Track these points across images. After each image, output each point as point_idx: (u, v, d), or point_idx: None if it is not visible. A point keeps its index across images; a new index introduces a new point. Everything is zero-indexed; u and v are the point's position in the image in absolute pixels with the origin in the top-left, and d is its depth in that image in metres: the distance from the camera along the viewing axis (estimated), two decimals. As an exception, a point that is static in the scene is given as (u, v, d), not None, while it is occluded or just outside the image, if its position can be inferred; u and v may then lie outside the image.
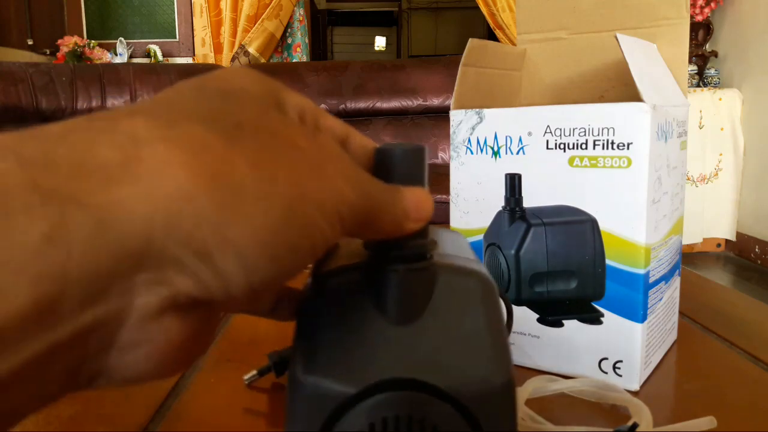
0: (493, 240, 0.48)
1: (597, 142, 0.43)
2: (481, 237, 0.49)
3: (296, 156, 0.17)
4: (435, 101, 2.25)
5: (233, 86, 0.19)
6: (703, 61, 3.08)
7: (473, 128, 0.48)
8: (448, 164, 0.50)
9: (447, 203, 0.52)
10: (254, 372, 0.45)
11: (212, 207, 0.15)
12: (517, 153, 0.46)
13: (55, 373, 0.14)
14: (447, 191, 0.51)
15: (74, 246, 0.13)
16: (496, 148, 0.47)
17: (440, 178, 0.64)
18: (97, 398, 0.44)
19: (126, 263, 0.14)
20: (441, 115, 2.23)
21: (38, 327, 0.13)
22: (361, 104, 2.24)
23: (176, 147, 0.15)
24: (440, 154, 2.21)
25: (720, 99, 2.83)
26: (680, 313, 0.56)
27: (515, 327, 0.48)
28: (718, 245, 2.99)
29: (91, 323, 0.14)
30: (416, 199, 0.23)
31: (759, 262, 2.73)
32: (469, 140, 0.48)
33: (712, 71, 3.01)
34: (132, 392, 0.45)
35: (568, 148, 0.44)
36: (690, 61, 2.95)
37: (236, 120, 0.17)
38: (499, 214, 0.48)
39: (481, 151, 0.48)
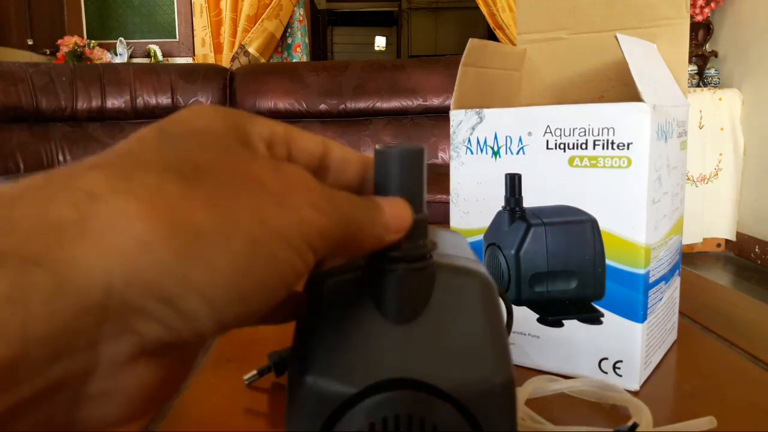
0: (493, 240, 0.48)
1: (597, 142, 0.43)
2: (481, 237, 0.49)
3: (257, 191, 0.17)
4: (435, 101, 2.25)
5: (194, 127, 0.19)
6: (703, 61, 3.08)
7: (473, 128, 0.48)
8: (448, 164, 0.50)
9: (447, 203, 0.52)
10: (254, 372, 0.45)
11: (171, 254, 0.15)
12: (517, 153, 0.46)
13: (20, 427, 0.14)
14: (447, 191, 0.51)
15: (34, 305, 0.13)
16: (496, 148, 0.47)
17: (440, 178, 0.64)
18: (97, 398, 0.44)
19: (88, 317, 0.14)
20: (441, 115, 2.24)
21: (2, 387, 0.13)
22: (361, 104, 2.24)
23: (132, 198, 0.15)
24: (440, 154, 2.21)
25: (720, 99, 2.83)
26: (680, 313, 0.56)
27: (515, 327, 0.48)
28: (718, 245, 2.99)
29: (59, 378, 0.14)
30: (395, 211, 0.23)
31: (759, 262, 2.73)
32: (469, 140, 0.48)
33: (712, 71, 3.01)
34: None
35: (568, 148, 0.44)
36: (690, 61, 2.95)
37: (195, 163, 0.17)
38: (499, 214, 0.48)
39: (481, 151, 0.48)
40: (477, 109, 0.48)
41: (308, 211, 0.18)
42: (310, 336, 0.26)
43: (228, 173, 0.17)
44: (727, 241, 2.96)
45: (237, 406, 0.42)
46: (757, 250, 2.75)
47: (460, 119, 0.49)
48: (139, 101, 2.21)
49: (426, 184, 0.26)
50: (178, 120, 0.19)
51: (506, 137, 0.46)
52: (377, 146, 0.26)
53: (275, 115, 2.22)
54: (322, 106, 2.23)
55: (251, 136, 0.20)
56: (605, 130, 0.42)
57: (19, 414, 0.14)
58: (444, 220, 0.55)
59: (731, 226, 2.89)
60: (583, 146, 0.43)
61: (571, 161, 0.44)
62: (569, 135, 0.44)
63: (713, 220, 2.87)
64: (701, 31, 3.06)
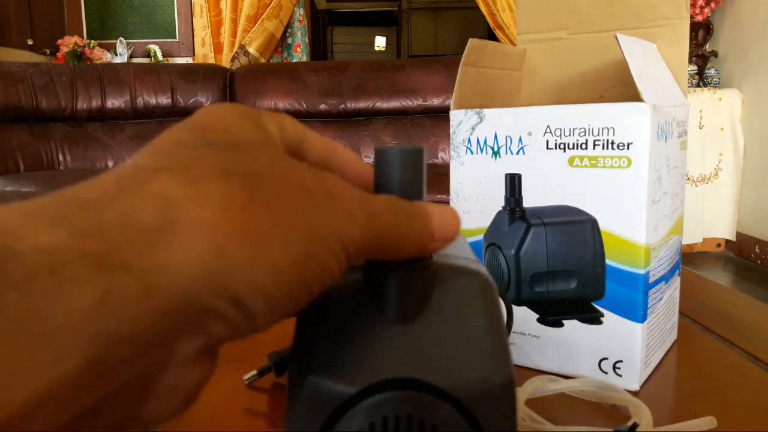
0: (493, 240, 0.48)
1: (597, 142, 0.43)
2: (481, 237, 0.49)
3: (307, 199, 0.19)
4: (435, 101, 2.25)
5: (237, 138, 0.20)
6: (703, 61, 3.08)
7: (473, 128, 0.48)
8: (448, 164, 0.50)
9: (447, 203, 0.52)
10: (254, 372, 0.45)
11: (244, 259, 0.16)
12: (517, 153, 0.46)
13: (95, 424, 0.16)
14: (447, 191, 0.51)
15: (124, 309, 0.14)
16: (496, 148, 0.47)
17: (440, 178, 0.64)
18: (97, 398, 0.44)
19: (170, 320, 0.15)
20: (441, 115, 2.24)
21: (90, 384, 0.14)
22: (361, 104, 2.24)
23: (207, 206, 0.16)
24: (440, 154, 2.21)
25: (720, 99, 2.83)
26: (680, 313, 0.56)
27: (515, 327, 0.48)
28: (718, 245, 2.99)
29: (136, 375, 0.16)
30: (443, 219, 0.23)
31: (759, 262, 2.73)
32: (469, 140, 0.48)
33: (712, 71, 3.01)
34: (132, 392, 0.45)
35: (568, 148, 0.44)
36: (690, 61, 2.95)
37: (251, 170, 0.18)
38: (499, 214, 0.48)
39: (481, 151, 0.48)
40: (477, 109, 0.48)
41: (347, 221, 0.19)
42: (311, 336, 0.26)
43: (281, 181, 0.18)
44: (727, 241, 2.97)
45: (237, 406, 0.42)
46: (757, 250, 2.75)
47: (460, 119, 0.49)
48: (139, 101, 2.21)
49: (426, 183, 0.26)
50: (215, 128, 0.20)
51: (506, 137, 0.46)
52: (377, 146, 0.26)
53: (275, 115, 2.22)
54: (322, 106, 2.23)
55: (278, 141, 0.21)
56: (605, 130, 0.42)
57: (98, 411, 0.15)
58: (444, 220, 0.54)
59: (731, 226, 2.89)
60: (583, 146, 0.43)
61: (571, 161, 0.44)
62: (569, 135, 0.44)
63: (713, 220, 2.87)
64: (701, 31, 3.06)
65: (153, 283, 0.15)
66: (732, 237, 2.89)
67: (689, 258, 2.87)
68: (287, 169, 0.19)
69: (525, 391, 0.41)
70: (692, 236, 2.84)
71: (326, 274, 0.19)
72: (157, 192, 0.16)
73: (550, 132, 0.45)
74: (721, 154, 2.85)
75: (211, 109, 0.21)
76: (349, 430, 0.25)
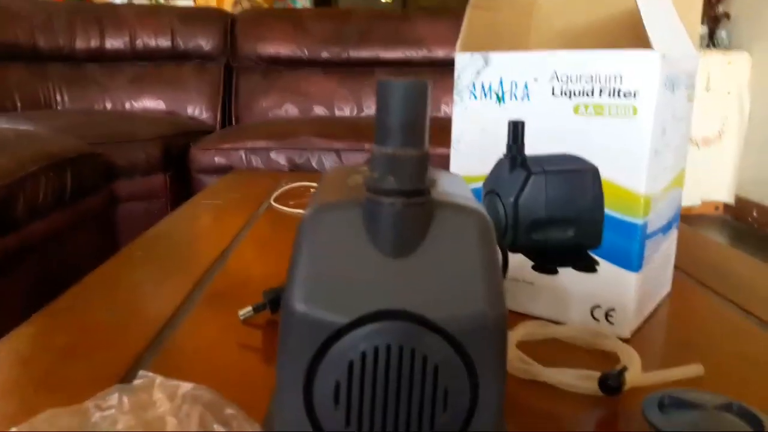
0: (492, 187, 0.48)
1: (603, 90, 0.42)
2: (480, 185, 0.48)
3: None
4: (440, 53, 2.21)
5: None
6: (714, 23, 3.01)
7: (478, 72, 0.47)
8: (450, 118, 0.49)
9: (447, 157, 0.52)
10: (249, 308, 0.45)
11: None
12: (522, 99, 0.45)
13: None
14: (448, 144, 0.50)
15: None
16: (500, 94, 0.46)
17: (442, 131, 0.63)
18: (92, 328, 0.44)
19: None
20: (445, 67, 2.20)
21: None
22: (364, 53, 2.20)
23: None
24: (443, 107, 2.18)
25: (729, 62, 2.78)
26: (675, 266, 0.56)
27: (509, 273, 0.48)
28: (716, 208, 2.99)
29: None
30: None
31: (756, 225, 2.73)
32: (474, 85, 0.47)
33: (723, 33, 2.96)
34: (127, 323, 0.45)
35: (574, 95, 0.43)
36: (701, 22, 2.88)
37: None
38: (500, 161, 0.47)
39: (485, 96, 0.47)
40: (483, 53, 0.47)
41: None
42: (305, 268, 0.26)
43: None
44: (725, 204, 2.97)
45: (231, 341, 0.42)
46: (755, 214, 2.75)
47: (465, 63, 0.48)
48: (139, 43, 2.17)
49: (429, 119, 0.26)
50: None
51: (512, 82, 0.46)
52: (380, 79, 0.25)
53: (276, 61, 2.18)
54: (324, 54, 2.19)
55: None
56: (612, 78, 0.42)
57: None
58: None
59: (730, 189, 2.89)
60: (589, 94, 0.42)
61: (576, 109, 0.43)
62: (576, 82, 0.43)
63: (713, 183, 2.87)
64: (715, -9, 2.98)
65: None
66: (731, 200, 2.89)
67: (686, 220, 2.86)
68: None
69: (516, 335, 0.41)
70: (691, 198, 2.84)
71: None
72: None
73: (557, 78, 0.44)
74: (726, 118, 2.82)
75: None
76: (341, 359, 0.25)
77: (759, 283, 0.57)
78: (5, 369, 0.38)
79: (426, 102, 0.25)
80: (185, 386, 0.29)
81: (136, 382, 0.29)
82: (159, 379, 0.29)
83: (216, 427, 0.26)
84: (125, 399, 0.28)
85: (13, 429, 0.26)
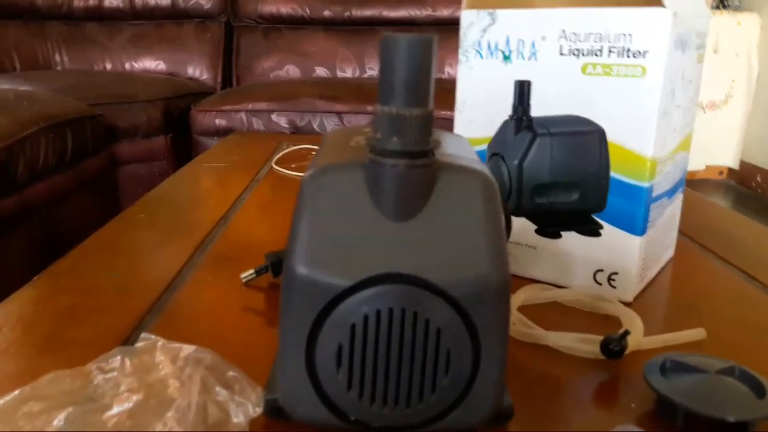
0: (497, 150, 0.47)
1: (612, 49, 0.41)
2: (485, 147, 0.48)
3: None
4: (444, 12, 2.16)
5: None
6: (725, -19, 2.94)
7: (484, 30, 0.46)
8: (455, 79, 0.48)
9: (451, 120, 0.51)
10: (251, 271, 0.45)
11: None
12: (529, 58, 0.44)
13: None
14: (452, 107, 0.49)
15: None
16: (507, 53, 0.45)
17: (446, 93, 0.61)
18: (94, 290, 0.44)
19: None
20: (450, 27, 2.15)
21: None
22: (367, 12, 2.16)
23: None
24: (447, 69, 2.15)
25: (738, 23, 2.73)
26: (680, 231, 0.55)
27: (512, 237, 0.47)
28: (720, 173, 2.97)
29: None
30: None
31: (760, 191, 2.72)
32: (480, 43, 0.46)
33: (735, -8, 2.89)
34: (129, 286, 0.45)
35: (582, 54, 0.42)
36: (712, -20, 2.81)
37: None
38: (505, 123, 0.46)
39: (491, 55, 0.46)
40: (489, 10, 0.45)
41: None
42: (307, 230, 0.26)
43: None
44: (730, 169, 2.95)
45: (233, 304, 0.42)
46: (759, 179, 2.73)
47: (471, 20, 0.46)
48: (138, 1, 2.13)
49: (434, 76, 0.25)
50: None
51: (518, 41, 0.44)
52: (385, 33, 0.25)
53: (277, 20, 2.14)
54: (326, 13, 2.15)
55: None
56: (622, 37, 0.40)
57: None
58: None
59: (735, 154, 2.86)
60: (598, 53, 0.41)
61: (584, 69, 0.42)
62: (584, 41, 0.42)
63: (718, 147, 2.84)
64: (728, -52, 2.90)
65: None
66: (735, 165, 2.87)
67: (690, 184, 2.85)
68: None
69: (518, 298, 0.41)
70: (695, 162, 2.82)
71: None
72: None
73: (565, 37, 0.42)
74: (733, 81, 2.78)
75: None
76: (344, 321, 0.25)
77: (762, 248, 0.56)
78: (7, 331, 0.38)
79: (431, 59, 0.25)
80: (187, 349, 0.28)
81: (139, 344, 0.29)
82: (161, 341, 0.29)
83: (218, 389, 0.26)
84: (127, 361, 0.28)
85: (17, 391, 0.26)
